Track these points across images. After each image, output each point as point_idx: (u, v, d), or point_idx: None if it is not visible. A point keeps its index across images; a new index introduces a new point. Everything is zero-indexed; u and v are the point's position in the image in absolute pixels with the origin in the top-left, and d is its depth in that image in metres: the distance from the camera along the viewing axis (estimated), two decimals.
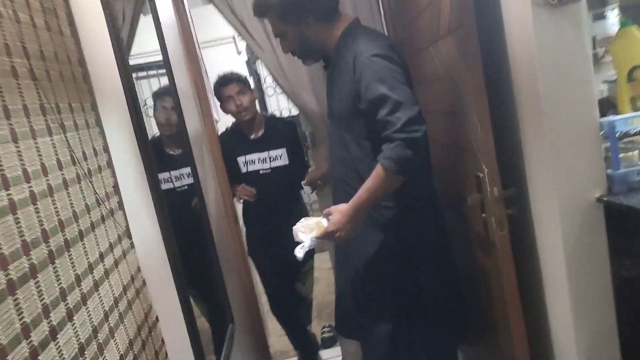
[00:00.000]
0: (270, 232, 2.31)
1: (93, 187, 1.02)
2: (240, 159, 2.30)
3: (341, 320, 1.69)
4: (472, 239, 1.68)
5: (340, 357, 2.47)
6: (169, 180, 1.64)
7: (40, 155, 0.84)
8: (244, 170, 2.30)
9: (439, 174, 1.78)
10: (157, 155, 1.38)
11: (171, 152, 1.82)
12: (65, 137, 0.95)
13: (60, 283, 0.81)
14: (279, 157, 2.29)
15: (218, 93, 2.25)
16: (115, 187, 1.16)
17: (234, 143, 2.31)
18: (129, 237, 1.17)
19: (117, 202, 1.15)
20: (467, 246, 1.74)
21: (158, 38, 1.74)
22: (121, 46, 1.25)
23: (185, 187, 1.82)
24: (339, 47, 1.49)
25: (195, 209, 1.91)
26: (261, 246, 2.43)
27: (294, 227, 1.48)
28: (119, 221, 1.13)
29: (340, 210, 1.40)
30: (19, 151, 0.78)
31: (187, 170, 1.84)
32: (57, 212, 0.85)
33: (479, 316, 1.75)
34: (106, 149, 1.15)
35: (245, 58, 3.98)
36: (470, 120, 1.46)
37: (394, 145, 1.28)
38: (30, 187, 0.78)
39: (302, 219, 1.51)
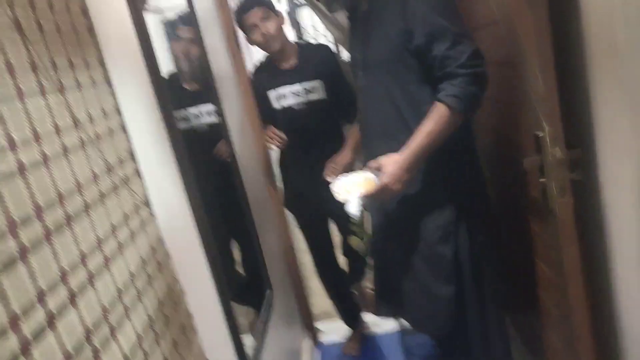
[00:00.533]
0: (311, 178, 2.04)
1: (102, 154, 0.92)
2: (272, 94, 2.02)
3: (385, 298, 1.57)
4: (525, 206, 1.50)
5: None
6: (187, 118, 1.51)
7: (30, 119, 0.74)
8: (277, 106, 2.02)
9: (488, 132, 1.59)
10: (173, 91, 1.26)
11: (189, 88, 1.67)
12: (65, 98, 0.85)
13: (61, 264, 0.73)
14: (314, 89, 1.99)
15: (240, 22, 1.96)
16: (131, 152, 1.06)
17: (265, 76, 2.04)
18: (148, 205, 1.08)
19: (134, 169, 1.05)
20: (517, 213, 1.56)
21: None
22: None
23: (206, 128, 1.69)
24: None
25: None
26: (302, 197, 2.16)
27: (331, 187, 1.36)
28: (136, 189, 1.03)
29: (395, 160, 1.27)
30: (0, 117, 0.67)
31: (208, 107, 1.70)
32: (54, 184, 0.76)
33: (528, 290, 1.59)
34: (118, 110, 1.04)
35: (286, 8, 3.80)
36: (530, 71, 1.26)
37: (460, 81, 1.18)
38: (16, 157, 0.68)
39: (340, 177, 1.38)
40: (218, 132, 1.76)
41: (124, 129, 1.04)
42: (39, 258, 0.68)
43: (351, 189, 1.31)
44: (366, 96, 1.47)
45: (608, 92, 1.17)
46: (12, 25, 0.75)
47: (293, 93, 2.01)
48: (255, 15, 1.91)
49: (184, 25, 1.64)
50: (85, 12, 0.99)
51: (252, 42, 2.00)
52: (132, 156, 1.05)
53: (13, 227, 0.64)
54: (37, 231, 0.69)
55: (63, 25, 0.89)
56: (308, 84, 1.99)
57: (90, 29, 1.00)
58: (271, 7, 1.96)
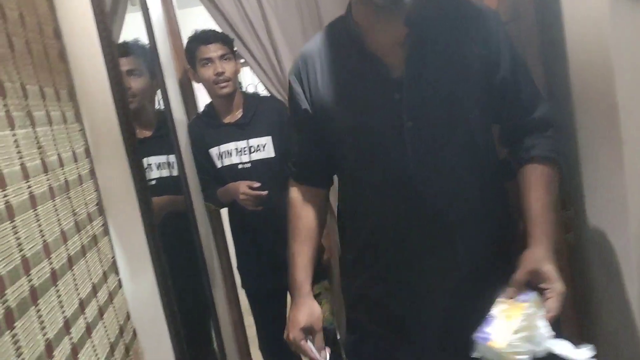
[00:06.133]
0: (257, 244, 1.79)
1: (72, 206, 0.72)
2: (214, 151, 1.76)
3: None
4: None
5: None
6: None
7: None
8: (218, 165, 1.77)
9: None
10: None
11: (139, 136, 1.44)
12: (35, 132, 0.65)
13: (23, 357, 0.51)
14: (262, 147, 1.77)
15: (193, 53, 1.70)
16: (99, 204, 0.86)
17: (205, 131, 1.79)
18: (116, 272, 0.87)
19: (102, 226, 0.85)
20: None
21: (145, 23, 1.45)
22: (104, 16, 0.96)
23: (153, 182, 1.46)
24: (429, 8, 0.96)
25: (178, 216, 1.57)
26: (249, 264, 1.87)
27: (480, 345, 0.76)
28: (105, 251, 0.83)
29: (548, 258, 0.90)
30: None
31: (159, 159, 1.50)
32: (20, 246, 0.56)
33: None
34: (88, 153, 0.85)
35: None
36: None
37: (552, 132, 0.99)
38: None
39: (489, 319, 0.77)
40: (170, 185, 1.55)
41: (93, 175, 0.85)
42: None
43: (522, 333, 0.74)
44: (423, 150, 0.95)
45: (600, 156, 1.18)
46: None
47: (237, 150, 1.78)
48: (215, 50, 1.69)
49: (127, 56, 1.40)
50: (57, 33, 0.82)
51: (199, 79, 1.76)
52: (100, 209, 0.85)
53: None
54: None
55: (34, 45, 0.71)
56: (255, 141, 1.77)
57: (62, 54, 0.82)
58: (233, 49, 1.78)
